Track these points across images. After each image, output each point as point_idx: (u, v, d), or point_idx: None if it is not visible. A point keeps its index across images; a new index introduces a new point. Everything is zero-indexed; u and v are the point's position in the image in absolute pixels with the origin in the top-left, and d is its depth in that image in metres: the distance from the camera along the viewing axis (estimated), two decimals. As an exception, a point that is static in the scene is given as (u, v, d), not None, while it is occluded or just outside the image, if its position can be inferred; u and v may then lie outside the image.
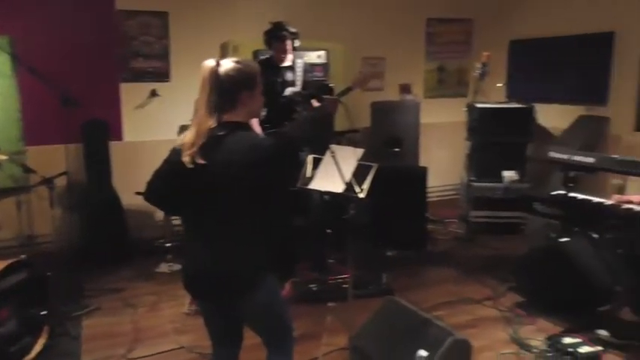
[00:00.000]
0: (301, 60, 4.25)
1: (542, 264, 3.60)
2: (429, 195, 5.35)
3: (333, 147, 3.01)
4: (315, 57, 4.96)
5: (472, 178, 5.11)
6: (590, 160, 3.01)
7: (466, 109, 5.17)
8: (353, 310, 3.04)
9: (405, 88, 5.73)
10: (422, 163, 5.20)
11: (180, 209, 2.10)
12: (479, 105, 5.07)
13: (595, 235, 3.27)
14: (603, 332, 3.16)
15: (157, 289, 3.93)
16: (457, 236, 5.10)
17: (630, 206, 3.07)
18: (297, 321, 3.28)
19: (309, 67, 4.40)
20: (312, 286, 3.72)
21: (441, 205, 5.93)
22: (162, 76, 4.98)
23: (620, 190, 4.45)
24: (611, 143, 5.00)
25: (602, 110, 5.12)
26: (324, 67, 5.01)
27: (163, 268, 4.29)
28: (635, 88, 4.91)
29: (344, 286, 3.55)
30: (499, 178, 4.99)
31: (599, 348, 2.99)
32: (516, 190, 4.81)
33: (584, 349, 2.95)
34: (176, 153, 1.98)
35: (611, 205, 3.12)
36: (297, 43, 4.13)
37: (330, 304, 3.15)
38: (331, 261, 3.93)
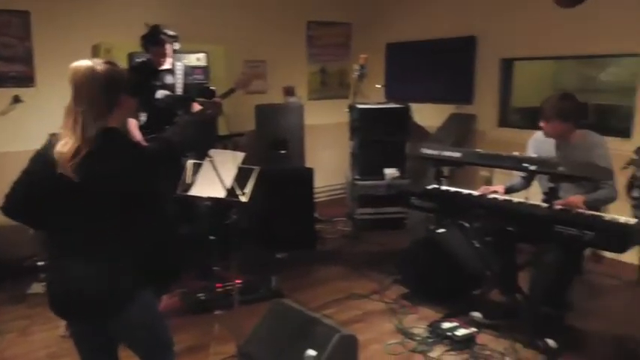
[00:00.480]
0: (181, 63, 4.11)
1: (422, 255, 3.78)
2: (317, 195, 5.42)
3: (212, 152, 2.95)
4: (195, 59, 4.82)
5: (356, 177, 5.24)
6: (457, 155, 3.19)
7: (348, 109, 5.29)
8: (241, 316, 2.98)
9: (289, 91, 5.75)
10: (308, 164, 5.22)
11: (44, 223, 1.92)
12: (360, 106, 5.22)
13: (466, 225, 3.48)
14: (477, 314, 3.38)
15: (29, 312, 3.60)
16: (345, 234, 5.21)
17: (495, 196, 3.31)
18: (185, 332, 3.18)
19: (190, 70, 4.26)
20: (199, 295, 3.60)
21: (329, 205, 6.03)
22: (26, 80, 4.55)
23: (488, 181, 4.82)
24: (478, 138, 5.39)
25: (470, 108, 5.51)
26: (205, 69, 4.88)
27: (36, 288, 3.92)
28: (496, 87, 5.35)
29: (233, 292, 3.47)
30: (382, 176, 5.17)
31: (474, 329, 3.21)
32: (398, 187, 5.00)
33: (461, 332, 3.16)
34: (39, 161, 1.82)
35: (479, 195, 3.33)
36: (176, 46, 3.99)
37: (217, 312, 3.07)
38: (216, 268, 3.83)
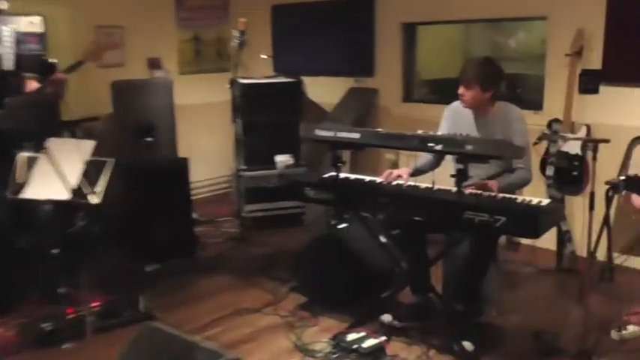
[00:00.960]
0: (9, 28, 3.86)
1: (322, 256, 3.82)
2: (195, 191, 5.38)
3: (50, 142, 2.80)
4: (28, 24, 4.54)
5: (242, 167, 5.21)
6: (355, 136, 3.23)
7: (229, 85, 5.20)
8: (99, 347, 2.85)
9: (154, 63, 5.60)
10: (182, 153, 5.15)
11: None
12: (243, 80, 5.17)
13: (370, 217, 3.56)
14: (387, 317, 3.48)
15: None
16: (231, 236, 5.16)
17: (400, 182, 3.40)
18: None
19: (22, 37, 4.02)
20: (44, 325, 3.39)
21: (211, 202, 5.98)
22: None
23: (394, 165, 4.98)
24: (381, 116, 5.57)
25: (371, 82, 5.67)
26: (41, 37, 4.62)
27: None
28: (399, 57, 5.53)
29: (87, 318, 3.33)
30: (272, 164, 5.17)
31: (383, 338, 3.29)
32: (292, 176, 5.03)
33: (368, 343, 3.22)
34: None
35: (382, 182, 3.41)
36: (4, 5, 3.75)
37: (66, 345, 2.93)
38: (62, 290, 3.67)
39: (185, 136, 5.52)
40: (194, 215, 4.96)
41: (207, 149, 5.98)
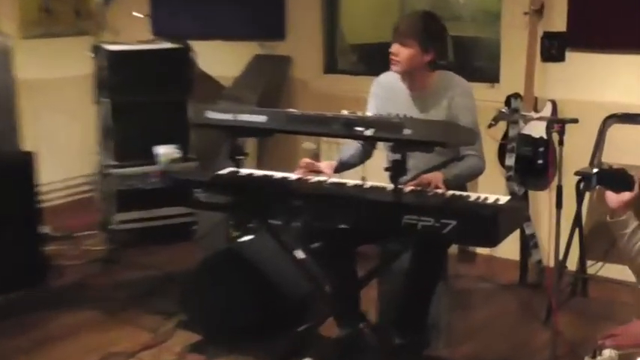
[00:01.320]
0: None
1: (218, 279, 3.80)
2: (46, 197, 5.27)
3: None
4: None
5: (111, 163, 5.10)
6: (262, 118, 3.15)
7: (92, 53, 5.13)
8: None
9: (-16, 24, 5.38)
10: (27, 146, 4.98)
11: None
12: (110, 47, 5.08)
13: (282, 226, 3.51)
14: (307, 362, 3.46)
15: None
16: (96, 257, 5.10)
17: (321, 178, 3.36)
18: None
19: None
20: None
21: (68, 211, 5.90)
22: None
23: (315, 156, 4.97)
24: (296, 91, 5.61)
25: (282, 47, 5.69)
26: None
27: None
28: (318, 15, 5.56)
29: None
30: (152, 159, 5.09)
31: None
32: (179, 174, 4.93)
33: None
34: None
35: (297, 179, 3.37)
36: None
37: None
38: None
39: (31, 122, 5.37)
40: (44, 229, 4.85)
41: (61, 140, 5.90)
